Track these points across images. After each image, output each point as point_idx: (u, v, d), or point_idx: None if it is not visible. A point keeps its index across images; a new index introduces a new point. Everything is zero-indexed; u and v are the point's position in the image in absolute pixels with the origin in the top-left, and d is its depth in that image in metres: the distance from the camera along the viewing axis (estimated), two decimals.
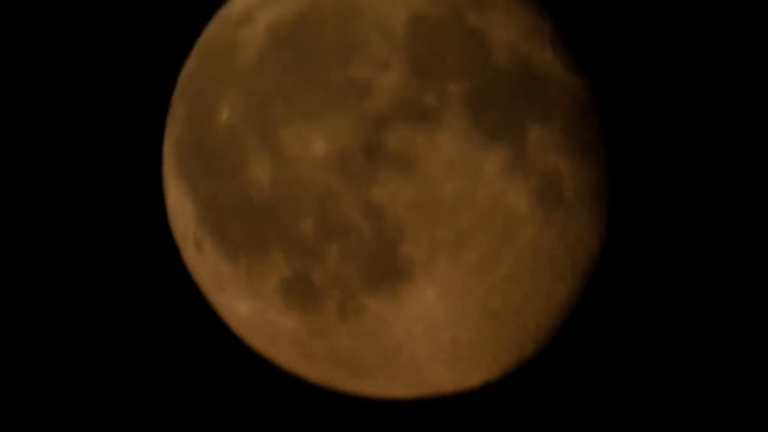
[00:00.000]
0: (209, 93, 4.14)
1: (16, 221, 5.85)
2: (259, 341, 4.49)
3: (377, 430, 5.37)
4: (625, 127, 4.39)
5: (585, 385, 5.45)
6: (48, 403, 5.76)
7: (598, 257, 4.31)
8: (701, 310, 5.46)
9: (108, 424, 5.69)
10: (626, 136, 4.38)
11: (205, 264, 4.28)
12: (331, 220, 3.77)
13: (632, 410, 5.50)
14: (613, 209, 4.29)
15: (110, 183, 5.70)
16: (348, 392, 4.62)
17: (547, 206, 3.90)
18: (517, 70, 3.89)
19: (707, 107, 5.39)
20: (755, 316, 5.47)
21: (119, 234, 5.70)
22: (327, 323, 3.98)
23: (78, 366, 5.71)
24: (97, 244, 5.74)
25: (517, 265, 3.90)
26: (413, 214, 3.73)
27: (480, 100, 3.78)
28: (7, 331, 5.81)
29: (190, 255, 4.46)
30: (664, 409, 5.50)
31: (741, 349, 5.44)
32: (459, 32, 3.89)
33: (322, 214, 3.77)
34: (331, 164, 3.74)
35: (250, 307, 4.17)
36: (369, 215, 3.74)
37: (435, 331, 3.98)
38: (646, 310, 5.43)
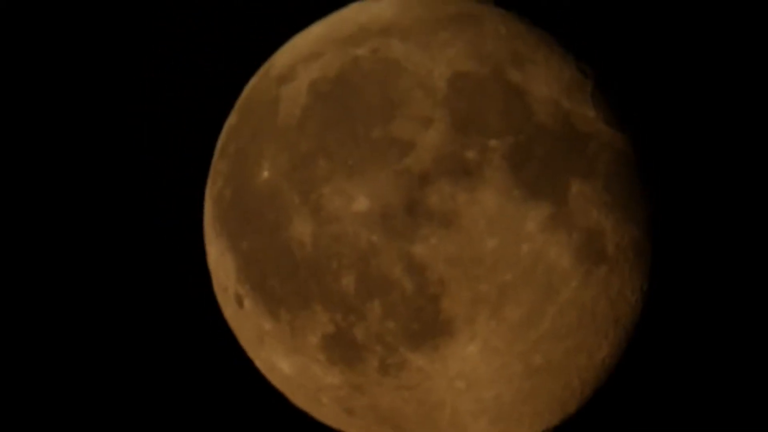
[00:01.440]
0: (250, 149, 4.13)
1: (68, 274, 5.78)
2: (301, 398, 4.44)
3: None
4: (667, 182, 4.35)
5: None
6: None
7: (640, 313, 4.22)
8: (745, 367, 5.34)
9: None
10: (668, 192, 4.33)
11: (246, 320, 4.25)
12: (373, 276, 3.72)
13: None
14: (655, 265, 4.22)
15: (153, 240, 5.70)
16: None
17: (589, 262, 3.85)
18: (558, 125, 3.86)
19: (745, 162, 5.31)
20: None
21: (161, 289, 5.69)
22: (369, 379, 3.94)
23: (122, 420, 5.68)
24: (140, 299, 5.71)
25: (559, 321, 3.85)
26: (455, 270, 3.68)
27: (521, 155, 3.74)
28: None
29: (230, 311, 4.42)
30: None
31: None
32: (500, 88, 3.86)
33: (363, 270, 3.73)
34: (373, 221, 3.70)
35: (291, 363, 4.13)
36: (411, 271, 3.69)
37: (477, 388, 3.92)
38: (688, 365, 5.34)
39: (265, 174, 3.96)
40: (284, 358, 4.15)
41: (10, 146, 5.92)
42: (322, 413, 4.44)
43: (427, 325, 3.75)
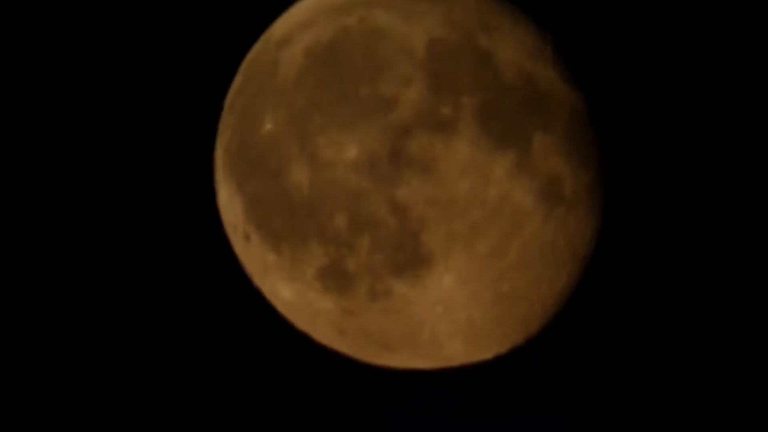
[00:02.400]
0: (254, 106, 4.36)
1: (79, 223, 5.93)
2: (300, 320, 4.73)
3: (402, 398, 5.47)
4: (617, 134, 4.56)
5: (581, 361, 5.51)
6: (96, 386, 5.88)
7: (593, 247, 4.49)
8: (686, 298, 5.52)
9: (161, 394, 5.81)
10: (618, 142, 4.55)
11: (253, 253, 4.53)
12: (362, 215, 4.02)
13: (622, 386, 5.55)
14: (607, 206, 4.46)
15: (169, 185, 5.76)
16: (377, 364, 4.81)
17: (549, 203, 4.15)
18: (521, 85, 4.12)
19: (692, 116, 5.46)
20: (743, 305, 5.53)
21: (177, 228, 5.80)
22: (359, 304, 4.24)
23: (138, 342, 5.86)
24: (157, 237, 5.84)
25: (523, 254, 4.15)
26: (432, 210, 3.97)
27: (490, 111, 4.00)
28: (55, 320, 5.90)
29: (239, 246, 4.68)
30: (651, 386, 5.55)
31: (729, 336, 5.52)
32: (471, 53, 4.11)
33: (353, 210, 4.02)
34: (361, 167, 3.98)
35: (292, 290, 4.41)
36: (394, 211, 3.98)
37: (452, 312, 4.22)
38: (636, 294, 5.51)
39: (267, 126, 4.21)
40: (285, 286, 4.42)
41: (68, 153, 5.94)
42: (318, 333, 4.72)
43: (409, 257, 4.04)
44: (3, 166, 5.92)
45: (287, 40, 4.41)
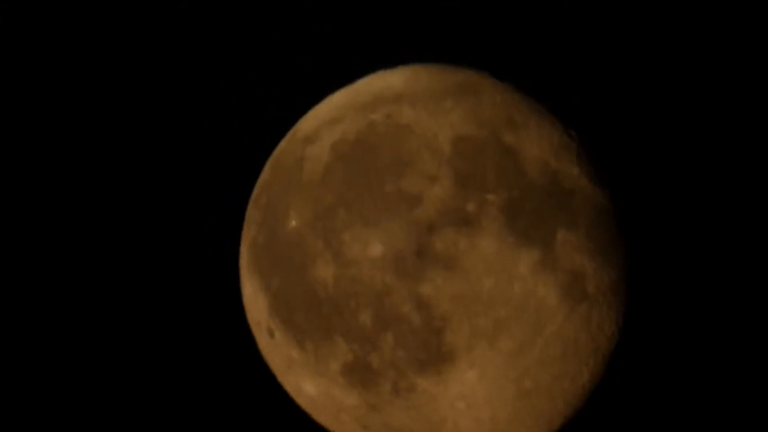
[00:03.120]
0: (280, 201, 4.37)
1: (116, 310, 5.91)
2: (324, 417, 4.66)
3: None
4: (641, 231, 4.58)
5: None
6: None
7: (616, 344, 4.43)
8: (710, 392, 5.47)
9: None
10: (642, 240, 4.56)
11: (277, 349, 4.50)
12: (386, 312, 4.01)
13: None
14: (630, 302, 4.44)
15: (195, 279, 5.76)
16: None
17: (572, 300, 4.12)
18: (546, 182, 4.15)
19: (713, 213, 5.47)
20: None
21: (203, 323, 5.76)
22: (383, 400, 4.20)
23: None
24: (182, 333, 5.79)
25: (546, 351, 4.12)
26: (456, 306, 3.97)
27: (514, 208, 4.02)
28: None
29: (263, 341, 4.67)
30: None
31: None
32: (496, 150, 4.15)
33: (378, 307, 4.01)
34: (386, 264, 3.98)
35: (316, 386, 4.39)
36: (419, 308, 3.97)
37: (475, 408, 4.18)
38: (662, 391, 5.45)
39: (293, 223, 4.22)
40: (309, 382, 4.39)
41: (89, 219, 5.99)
42: (342, 429, 4.62)
43: (432, 354, 4.03)
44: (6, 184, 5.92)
45: (314, 136, 4.45)
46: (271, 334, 4.46)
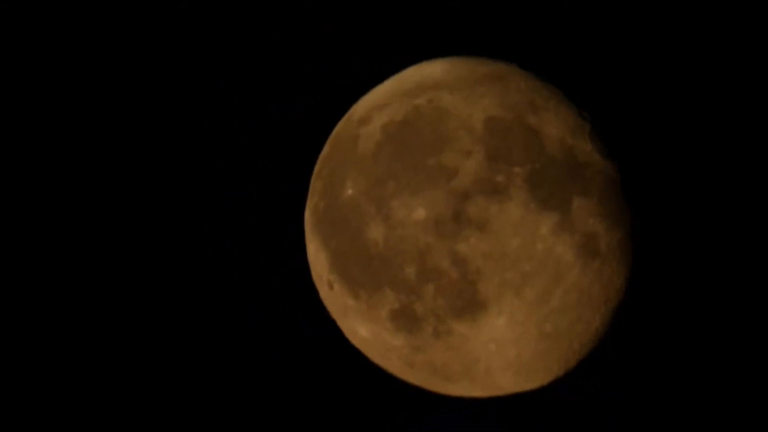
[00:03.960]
0: (338, 174, 4.79)
1: (184, 276, 6.22)
2: (375, 356, 5.07)
3: (461, 422, 5.69)
4: (646, 199, 4.92)
5: (614, 391, 5.75)
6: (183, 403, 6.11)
7: (624, 294, 4.82)
8: (706, 340, 5.76)
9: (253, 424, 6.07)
10: (645, 204, 4.91)
11: (335, 299, 4.91)
12: (428, 267, 4.41)
13: (649, 418, 5.76)
14: (636, 258, 4.81)
15: (269, 240, 6.11)
16: (440, 393, 5.13)
17: (586, 257, 4.53)
18: (564, 156, 4.54)
19: (705, 184, 5.78)
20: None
21: (275, 277, 6.12)
22: (425, 342, 4.61)
23: (231, 376, 6.14)
24: (258, 284, 6.17)
25: (564, 300, 4.53)
26: (488, 262, 4.37)
27: (537, 178, 4.42)
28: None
29: (324, 292, 5.07)
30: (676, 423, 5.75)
31: (753, 363, 5.73)
32: (521, 129, 4.53)
33: (421, 263, 4.42)
34: (428, 226, 4.38)
35: (368, 330, 4.82)
36: (455, 263, 4.38)
37: (504, 349, 4.58)
38: (664, 335, 5.76)
39: (349, 191, 4.65)
40: (363, 327, 4.83)
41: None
42: (391, 367, 5.04)
43: (467, 302, 4.44)
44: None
45: (367, 119, 4.84)
46: (331, 286, 4.87)
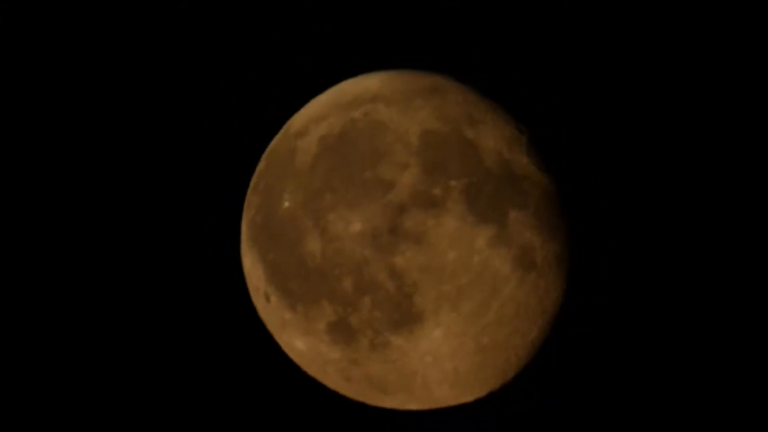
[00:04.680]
0: (275, 187, 4.75)
1: (117, 284, 6.10)
2: (312, 369, 5.04)
3: None
4: (581, 211, 4.98)
5: (552, 402, 5.77)
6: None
7: (560, 306, 4.87)
8: (639, 343, 5.81)
9: None
10: (582, 218, 4.97)
11: (272, 311, 4.88)
12: (365, 279, 4.40)
13: (585, 427, 5.80)
14: (571, 271, 4.87)
15: (202, 254, 6.07)
16: (377, 406, 5.12)
17: (523, 269, 4.54)
18: (501, 169, 4.54)
19: (644, 194, 5.83)
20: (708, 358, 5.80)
21: (209, 289, 6.02)
22: (362, 355, 4.60)
23: (170, 387, 6.02)
24: (191, 298, 6.07)
25: (501, 312, 4.52)
26: (424, 275, 4.36)
27: (474, 191, 4.42)
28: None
29: (260, 305, 5.03)
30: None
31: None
32: (458, 142, 4.54)
33: (358, 275, 4.41)
34: (365, 239, 4.37)
35: (305, 343, 4.78)
36: (392, 276, 4.37)
37: (441, 361, 4.57)
38: (598, 346, 5.78)
39: (286, 204, 4.62)
40: (300, 339, 4.79)
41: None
42: (327, 380, 5.03)
43: (404, 315, 4.42)
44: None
45: (304, 131, 4.82)
46: (268, 299, 4.84)
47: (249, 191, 5.13)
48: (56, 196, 6.13)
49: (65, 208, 6.13)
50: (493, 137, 4.63)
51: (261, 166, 5.11)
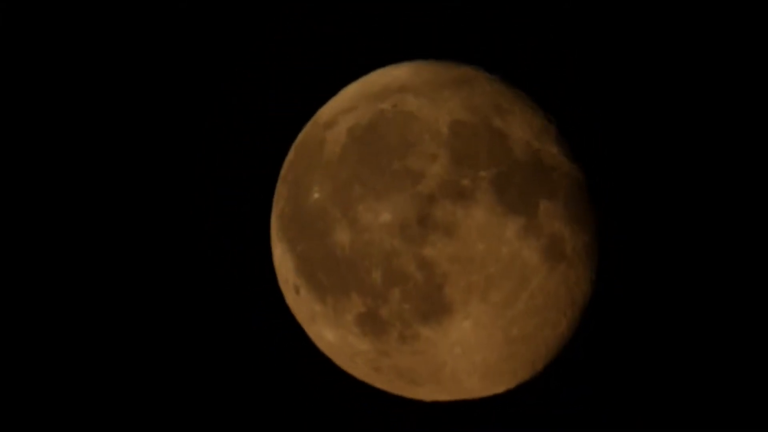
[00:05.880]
0: (304, 178, 4.75)
1: (153, 279, 6.11)
2: (341, 360, 5.05)
3: (427, 426, 5.64)
4: (611, 202, 4.89)
5: (581, 393, 5.72)
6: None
7: (590, 297, 4.81)
8: (671, 347, 5.77)
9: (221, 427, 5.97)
10: (611, 208, 4.88)
11: (302, 303, 4.88)
12: (394, 270, 4.39)
13: (617, 417, 5.76)
14: (602, 262, 4.79)
15: (233, 246, 6.07)
16: (406, 397, 5.10)
17: (552, 260, 4.52)
18: (530, 159, 4.52)
19: (667, 187, 5.77)
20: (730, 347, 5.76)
21: (241, 281, 6.02)
22: (391, 346, 4.60)
23: (202, 381, 6.05)
24: (221, 290, 6.10)
25: (530, 303, 4.50)
26: (454, 266, 4.35)
27: (503, 182, 4.40)
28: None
29: (290, 297, 5.04)
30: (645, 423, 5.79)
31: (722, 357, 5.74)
32: (487, 132, 4.52)
33: (387, 267, 4.40)
34: (394, 230, 4.36)
35: (334, 335, 4.78)
36: (421, 267, 4.36)
37: (470, 352, 4.56)
38: (628, 337, 5.73)
39: (315, 195, 4.62)
40: (329, 331, 4.79)
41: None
42: (357, 371, 5.03)
43: (433, 306, 4.42)
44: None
45: (333, 122, 4.81)
46: (297, 291, 4.83)
47: (278, 182, 5.11)
48: (70, 193, 6.10)
49: (76, 204, 6.11)
50: (522, 127, 4.60)
51: (290, 157, 5.10)
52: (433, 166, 4.38)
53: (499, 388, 4.96)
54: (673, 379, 5.82)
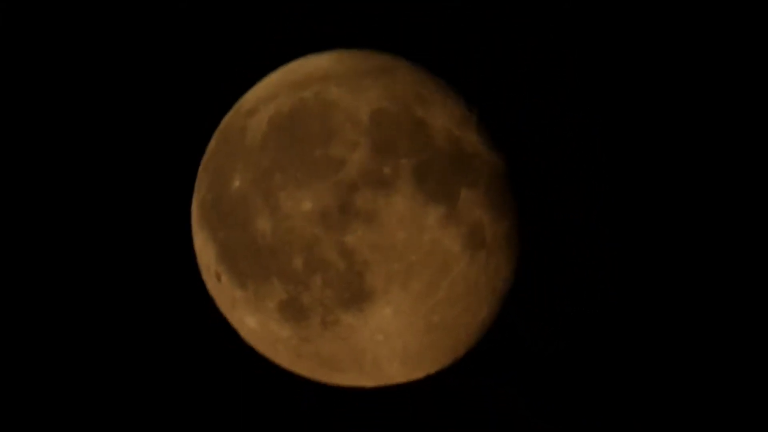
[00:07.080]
0: (225, 166, 4.71)
1: (71, 267, 6.06)
2: (263, 347, 5.03)
3: (349, 412, 5.72)
4: (531, 190, 4.92)
5: (501, 378, 5.78)
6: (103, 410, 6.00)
7: (510, 285, 4.87)
8: (586, 321, 5.86)
9: (143, 412, 5.94)
10: (532, 197, 4.91)
11: (223, 290, 4.86)
12: (315, 258, 4.38)
13: (533, 403, 5.85)
14: (521, 249, 4.84)
15: (153, 232, 6.03)
16: (328, 383, 5.10)
17: (473, 248, 4.54)
18: (451, 148, 4.52)
19: (585, 176, 5.85)
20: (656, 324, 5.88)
21: (160, 269, 6.03)
22: (313, 332, 4.60)
23: (122, 364, 6.03)
24: (142, 277, 6.07)
25: (451, 291, 4.53)
26: (375, 254, 4.36)
27: (424, 170, 4.39)
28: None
29: (211, 284, 5.01)
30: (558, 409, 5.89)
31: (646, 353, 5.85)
32: (408, 121, 4.50)
33: (308, 254, 4.38)
34: (315, 218, 4.34)
35: (256, 321, 4.77)
36: (343, 254, 4.37)
37: (391, 339, 4.58)
38: (548, 323, 5.83)
39: (237, 183, 4.59)
40: (250, 317, 4.78)
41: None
42: (278, 358, 5.02)
43: (355, 293, 4.43)
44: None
45: (254, 110, 4.78)
46: (218, 278, 4.81)
47: (200, 170, 5.08)
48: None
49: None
50: (443, 116, 4.60)
51: (211, 145, 5.06)
52: (354, 155, 4.36)
53: (420, 374, 4.98)
54: (590, 367, 5.88)
